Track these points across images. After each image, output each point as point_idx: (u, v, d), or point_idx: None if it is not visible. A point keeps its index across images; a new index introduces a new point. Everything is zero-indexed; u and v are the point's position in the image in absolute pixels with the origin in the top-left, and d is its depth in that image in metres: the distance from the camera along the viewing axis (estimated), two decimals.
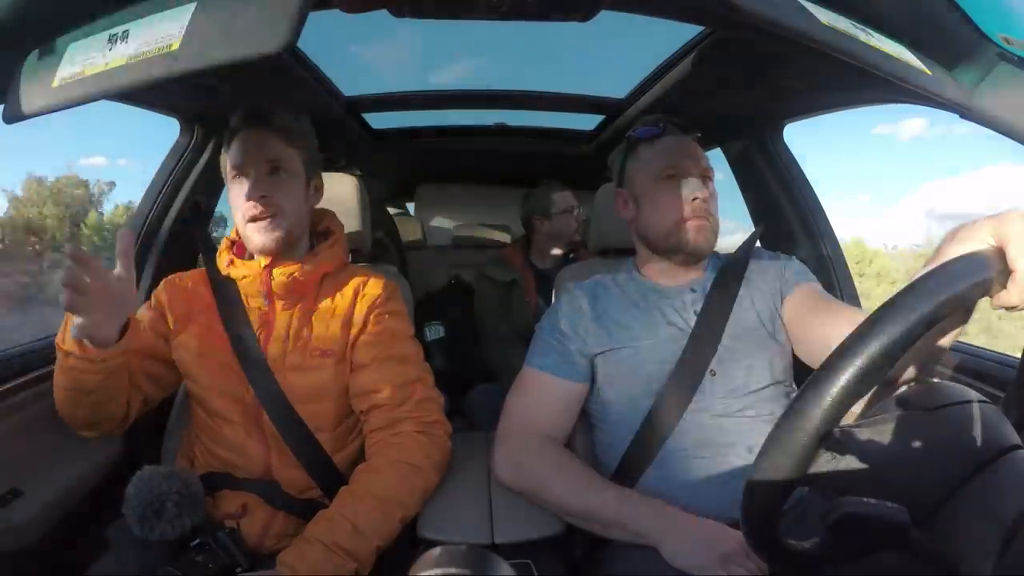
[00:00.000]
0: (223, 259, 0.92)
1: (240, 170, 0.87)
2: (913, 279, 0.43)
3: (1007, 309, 0.45)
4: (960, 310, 0.42)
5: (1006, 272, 0.43)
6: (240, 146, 0.88)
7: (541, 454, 0.84)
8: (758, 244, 1.00)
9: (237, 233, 0.94)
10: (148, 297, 0.95)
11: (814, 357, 0.84)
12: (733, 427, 0.82)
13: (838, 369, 0.40)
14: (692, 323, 0.87)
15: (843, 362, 0.40)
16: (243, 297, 0.91)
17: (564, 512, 0.81)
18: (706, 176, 0.91)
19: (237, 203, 0.88)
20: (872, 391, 0.65)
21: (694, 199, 0.87)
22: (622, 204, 0.98)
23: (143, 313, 0.93)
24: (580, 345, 0.90)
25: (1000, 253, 0.44)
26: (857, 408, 0.48)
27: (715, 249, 0.95)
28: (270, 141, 0.88)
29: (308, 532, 0.75)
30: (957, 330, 0.59)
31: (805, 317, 0.86)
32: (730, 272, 0.91)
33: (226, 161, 0.90)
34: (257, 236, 0.86)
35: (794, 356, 0.89)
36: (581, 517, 0.80)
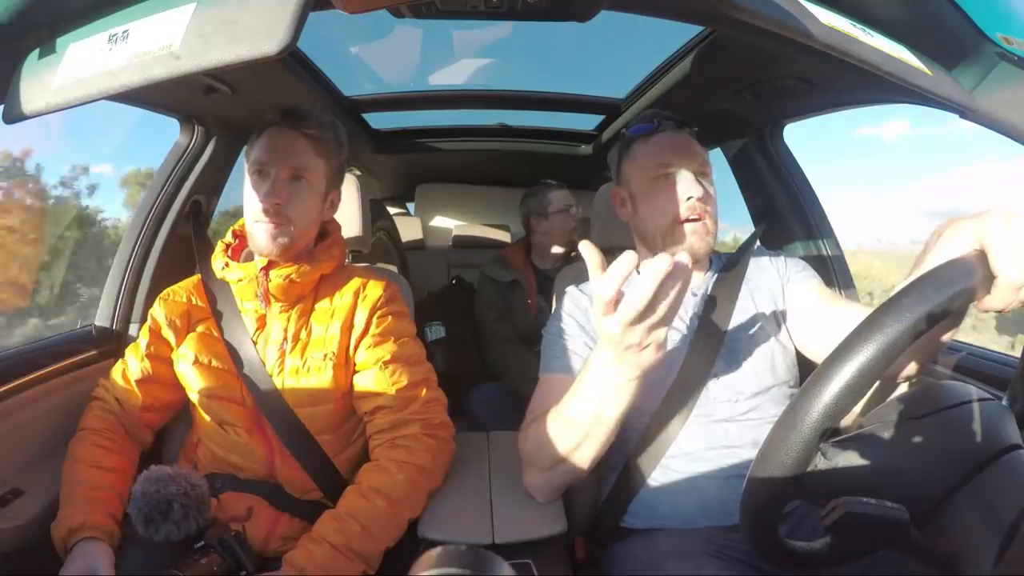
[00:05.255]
0: (218, 262, 0.91)
1: (262, 167, 0.85)
2: (899, 288, 0.43)
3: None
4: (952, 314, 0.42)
5: (990, 277, 0.43)
6: (268, 142, 0.86)
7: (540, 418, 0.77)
8: (758, 244, 1.00)
9: (234, 235, 0.93)
10: (149, 295, 0.95)
11: (818, 354, 0.84)
12: (737, 429, 0.81)
13: (831, 377, 0.41)
14: (694, 327, 0.86)
15: (834, 370, 0.41)
16: (239, 300, 0.90)
17: (574, 436, 0.72)
18: (702, 173, 0.89)
19: (250, 199, 0.86)
20: (874, 388, 0.65)
21: (688, 198, 0.85)
22: (619, 203, 0.96)
23: (143, 336, 0.93)
24: (588, 340, 0.88)
25: (983, 256, 0.43)
26: (859, 407, 0.48)
27: (715, 249, 0.94)
28: (300, 146, 0.86)
29: (316, 532, 0.74)
30: (952, 329, 0.59)
31: (807, 315, 0.86)
32: (731, 273, 0.91)
33: (250, 152, 0.88)
34: (261, 238, 0.85)
35: (798, 354, 0.88)
36: (591, 421, 0.70)
